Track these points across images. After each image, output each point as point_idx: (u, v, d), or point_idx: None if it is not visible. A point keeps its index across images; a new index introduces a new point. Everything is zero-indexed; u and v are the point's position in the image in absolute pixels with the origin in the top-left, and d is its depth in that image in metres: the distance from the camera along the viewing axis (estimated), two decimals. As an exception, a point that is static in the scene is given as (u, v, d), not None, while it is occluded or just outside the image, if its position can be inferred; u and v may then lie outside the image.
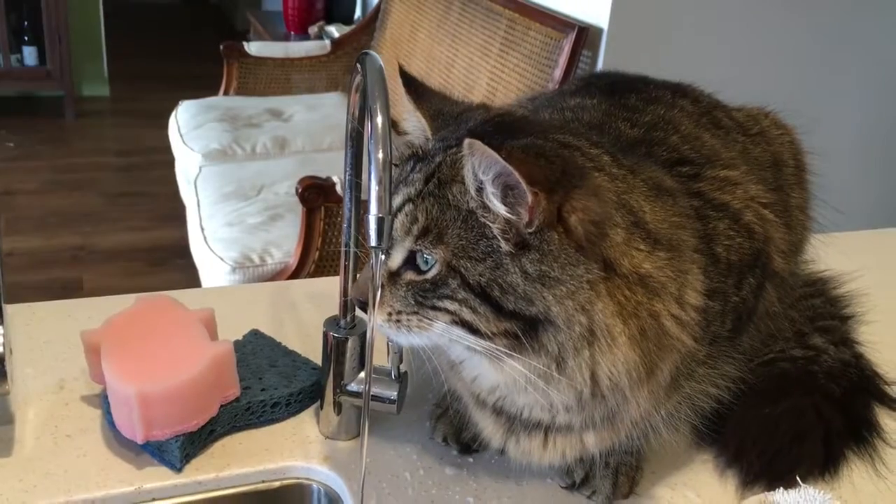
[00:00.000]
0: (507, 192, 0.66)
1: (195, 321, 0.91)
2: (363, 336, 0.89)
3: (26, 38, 4.84)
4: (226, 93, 3.86)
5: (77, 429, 0.90)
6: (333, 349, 0.89)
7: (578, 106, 0.93)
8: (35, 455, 0.86)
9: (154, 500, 0.84)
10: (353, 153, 0.80)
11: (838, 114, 2.89)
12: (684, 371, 0.78)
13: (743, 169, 0.90)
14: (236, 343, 0.98)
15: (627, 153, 0.80)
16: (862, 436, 0.96)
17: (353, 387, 0.90)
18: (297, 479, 0.89)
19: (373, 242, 0.65)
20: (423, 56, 3.43)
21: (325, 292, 1.18)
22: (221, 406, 0.88)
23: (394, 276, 0.72)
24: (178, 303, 0.95)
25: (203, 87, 3.93)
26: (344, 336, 0.88)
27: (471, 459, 0.91)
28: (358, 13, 4.39)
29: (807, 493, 0.82)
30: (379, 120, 0.67)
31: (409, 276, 0.71)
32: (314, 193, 2.46)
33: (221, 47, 3.77)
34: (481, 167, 0.65)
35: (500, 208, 0.66)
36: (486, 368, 0.73)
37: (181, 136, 3.40)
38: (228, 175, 3.07)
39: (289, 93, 3.90)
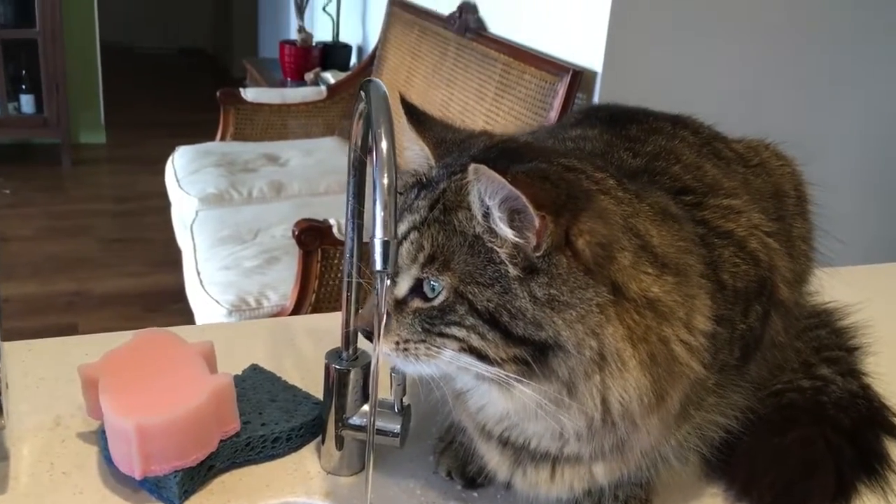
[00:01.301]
0: (514, 217, 0.65)
1: (194, 354, 0.90)
2: (366, 368, 0.88)
3: (24, 87, 4.87)
4: (222, 138, 3.88)
5: (73, 465, 0.88)
6: (335, 382, 0.87)
7: (580, 136, 0.93)
8: (30, 492, 0.84)
9: (152, 537, 0.82)
10: (356, 181, 0.80)
11: (836, 150, 2.90)
12: (693, 399, 0.77)
13: (745, 198, 0.89)
14: (236, 378, 0.96)
15: (631, 181, 0.80)
16: (873, 468, 0.94)
17: (355, 420, 0.88)
18: (299, 515, 0.87)
19: (378, 267, 0.64)
20: (419, 101, 3.45)
21: (324, 328, 1.16)
22: (221, 441, 0.87)
23: (400, 305, 0.71)
24: (177, 336, 0.94)
25: (199, 134, 3.93)
26: (346, 368, 0.87)
27: (475, 494, 0.89)
28: (353, 60, 4.44)
29: (820, 525, 0.81)
30: (383, 145, 0.67)
31: (416, 303, 0.70)
32: (311, 236, 2.46)
33: (218, 94, 3.80)
34: (487, 192, 0.65)
35: (508, 233, 0.65)
36: (494, 396, 0.72)
37: (178, 180, 3.41)
38: (225, 219, 3.07)
39: (285, 138, 3.92)
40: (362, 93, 0.73)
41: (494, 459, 0.81)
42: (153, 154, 4.09)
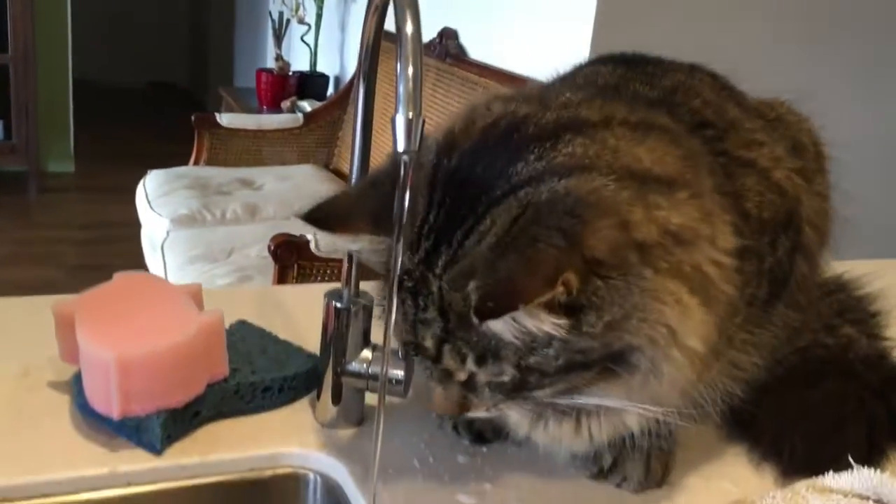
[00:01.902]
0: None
1: (182, 293, 0.83)
2: (368, 308, 0.81)
3: (-7, 114, 4.77)
4: (196, 163, 3.80)
5: (43, 413, 0.80)
6: (335, 322, 0.80)
7: (592, 72, 0.89)
8: (-6, 436, 0.76)
9: (130, 484, 0.74)
10: (367, 92, 0.74)
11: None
12: (724, 334, 0.71)
13: (767, 136, 0.85)
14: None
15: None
16: (901, 432, 0.89)
17: (354, 366, 0.81)
18: (292, 467, 0.79)
19: (401, 147, 0.58)
20: (398, 126, 3.43)
21: (315, 296, 1.09)
22: (208, 385, 0.79)
23: (468, 384, 0.66)
24: (162, 279, 0.87)
25: (171, 165, 3.80)
26: (347, 306, 0.80)
27: (484, 449, 0.82)
28: (331, 90, 4.41)
29: (861, 475, 0.75)
30: (408, 28, 0.61)
31: (484, 377, 0.65)
32: (287, 251, 2.39)
33: (193, 117, 3.73)
34: (503, 325, 0.60)
35: (539, 324, 0.60)
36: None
37: (149, 202, 3.32)
38: (197, 239, 2.98)
39: (260, 165, 3.85)
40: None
41: (514, 416, 0.74)
42: (122, 183, 3.97)
